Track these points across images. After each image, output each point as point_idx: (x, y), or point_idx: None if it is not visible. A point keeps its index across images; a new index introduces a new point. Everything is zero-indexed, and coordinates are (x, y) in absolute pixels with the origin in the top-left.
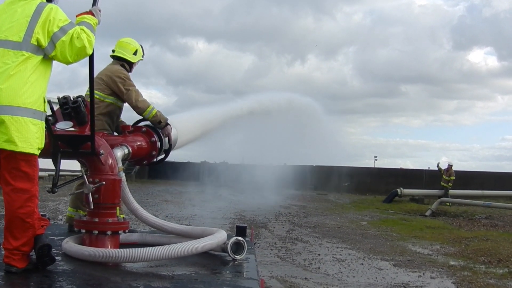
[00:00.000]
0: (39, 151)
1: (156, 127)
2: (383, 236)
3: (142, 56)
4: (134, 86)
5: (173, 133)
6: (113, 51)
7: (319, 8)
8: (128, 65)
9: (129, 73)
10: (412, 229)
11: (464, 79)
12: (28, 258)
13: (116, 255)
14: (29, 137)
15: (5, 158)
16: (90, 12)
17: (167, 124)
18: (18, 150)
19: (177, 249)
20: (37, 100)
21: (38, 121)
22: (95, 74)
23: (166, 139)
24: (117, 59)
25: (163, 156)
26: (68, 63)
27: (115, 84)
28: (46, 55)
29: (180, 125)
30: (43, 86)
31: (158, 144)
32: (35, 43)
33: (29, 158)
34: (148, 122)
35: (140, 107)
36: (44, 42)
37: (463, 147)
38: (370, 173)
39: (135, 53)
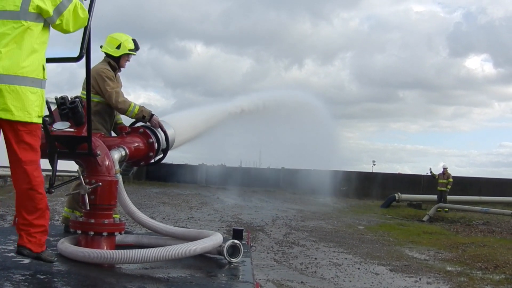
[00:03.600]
0: (40, 119)
1: (142, 121)
2: (380, 241)
3: (135, 50)
4: (115, 87)
5: (171, 133)
6: (101, 46)
7: (316, 14)
8: (115, 61)
9: (122, 68)
10: (409, 234)
11: (461, 86)
12: (44, 246)
13: (111, 256)
14: (27, 106)
15: (10, 130)
16: None
17: (152, 115)
18: (14, 119)
19: (172, 251)
20: (37, 68)
21: (37, 89)
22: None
23: (164, 138)
24: (105, 55)
25: (161, 156)
26: (67, 32)
27: (96, 83)
28: (47, 23)
29: (177, 124)
30: (42, 54)
31: (156, 145)
32: (34, 11)
33: (29, 128)
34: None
35: (121, 108)
36: (50, 11)
37: (461, 153)
38: (368, 177)
39: (118, 47)
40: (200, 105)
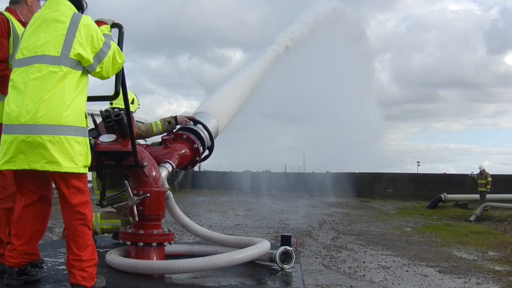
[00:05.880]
0: (86, 168)
1: (171, 127)
2: (428, 242)
3: (138, 104)
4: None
5: (213, 125)
6: (111, 103)
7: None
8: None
9: None
10: (457, 234)
11: (501, 83)
12: (95, 277)
13: (158, 266)
14: (74, 156)
15: (59, 177)
16: (102, 22)
17: (175, 117)
18: (63, 170)
19: (218, 260)
20: (79, 116)
21: (81, 138)
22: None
23: (208, 137)
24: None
25: (207, 154)
26: (105, 78)
27: None
28: (85, 70)
29: (216, 111)
30: (83, 101)
31: (201, 148)
32: (74, 58)
33: (77, 176)
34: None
35: (147, 134)
36: (90, 59)
37: (505, 150)
38: (413, 179)
39: (132, 102)
40: (231, 76)
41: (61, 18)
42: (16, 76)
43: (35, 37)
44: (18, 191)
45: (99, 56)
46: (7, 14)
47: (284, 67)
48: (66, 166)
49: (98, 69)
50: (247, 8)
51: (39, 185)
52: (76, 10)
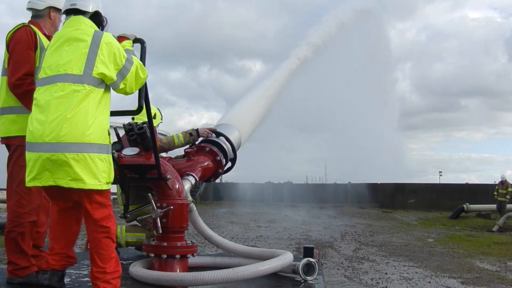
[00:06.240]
0: (109, 185)
1: (192, 140)
2: (450, 253)
3: (161, 119)
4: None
5: (235, 137)
6: (133, 118)
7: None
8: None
9: None
10: (480, 245)
11: None
12: None
13: (181, 278)
14: (97, 173)
15: (82, 194)
16: (124, 38)
17: (197, 130)
18: (87, 188)
19: (241, 272)
20: (102, 134)
21: (104, 155)
22: None
23: (230, 149)
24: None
25: (229, 165)
26: (129, 94)
27: None
28: (108, 87)
29: (238, 122)
30: (106, 118)
31: (223, 161)
32: (97, 76)
33: (101, 192)
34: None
35: (168, 147)
36: (114, 77)
37: None
38: (435, 189)
39: (154, 117)
40: (257, 83)
41: (82, 37)
42: (39, 95)
43: (58, 56)
44: (51, 200)
45: (122, 73)
46: (34, 27)
47: (305, 77)
48: (90, 183)
49: (121, 86)
50: (267, 19)
51: (68, 197)
52: (97, 28)
